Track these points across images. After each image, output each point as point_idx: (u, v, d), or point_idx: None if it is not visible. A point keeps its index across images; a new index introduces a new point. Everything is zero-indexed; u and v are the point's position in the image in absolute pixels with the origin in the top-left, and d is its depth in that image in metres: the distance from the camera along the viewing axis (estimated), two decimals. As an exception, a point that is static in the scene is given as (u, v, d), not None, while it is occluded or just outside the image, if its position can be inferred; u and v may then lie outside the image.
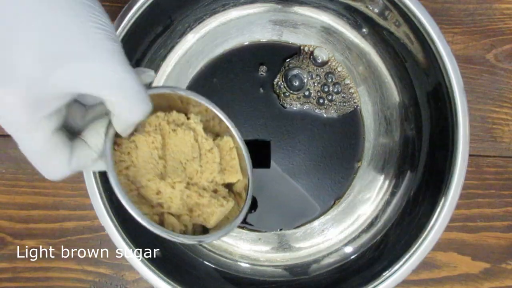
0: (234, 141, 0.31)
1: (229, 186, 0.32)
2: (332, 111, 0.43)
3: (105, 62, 0.22)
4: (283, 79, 0.42)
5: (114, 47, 0.22)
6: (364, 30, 0.42)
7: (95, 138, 0.26)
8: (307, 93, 0.43)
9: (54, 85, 0.21)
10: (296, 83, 0.42)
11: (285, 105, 0.42)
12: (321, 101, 0.43)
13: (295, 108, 0.43)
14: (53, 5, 0.21)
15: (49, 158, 0.24)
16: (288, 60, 0.43)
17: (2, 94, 0.21)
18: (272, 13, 0.43)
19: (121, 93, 0.23)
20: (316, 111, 0.43)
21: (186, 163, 0.30)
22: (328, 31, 0.43)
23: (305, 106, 0.42)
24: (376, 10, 0.39)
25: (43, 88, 0.21)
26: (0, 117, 0.22)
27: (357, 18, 0.42)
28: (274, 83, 0.43)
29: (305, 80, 0.43)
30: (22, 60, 0.20)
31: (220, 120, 0.31)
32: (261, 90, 0.43)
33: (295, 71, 0.43)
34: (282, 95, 0.42)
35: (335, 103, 0.43)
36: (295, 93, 0.42)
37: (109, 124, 0.26)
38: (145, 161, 0.28)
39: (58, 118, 0.23)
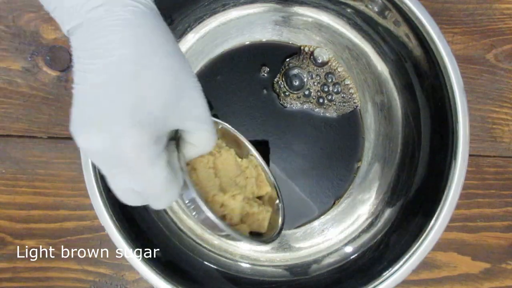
0: (256, 159, 0.36)
1: (260, 198, 0.36)
2: (332, 111, 0.43)
3: (200, 105, 0.27)
4: (283, 79, 0.42)
5: (202, 91, 0.27)
6: (364, 30, 0.42)
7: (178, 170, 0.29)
8: (307, 92, 0.43)
9: (169, 122, 0.26)
10: (296, 83, 0.42)
11: (285, 104, 0.42)
12: (321, 100, 0.43)
13: (295, 108, 0.43)
14: (165, 53, 0.25)
15: (171, 185, 0.26)
16: (288, 59, 0.43)
17: (138, 134, 0.24)
18: (272, 13, 0.43)
19: (208, 127, 0.28)
20: (315, 110, 0.43)
21: (235, 179, 0.34)
22: (328, 31, 0.43)
23: (305, 106, 0.42)
24: (376, 10, 0.39)
25: (163, 126, 0.25)
26: (129, 159, 0.24)
27: (357, 18, 0.42)
28: (274, 82, 0.43)
29: (305, 80, 0.43)
30: (155, 106, 0.25)
31: (240, 142, 0.35)
32: (263, 90, 0.43)
33: (295, 71, 0.43)
34: (282, 94, 0.42)
35: (334, 103, 0.43)
36: (295, 92, 0.42)
37: (180, 155, 0.29)
38: (205, 179, 0.32)
39: (164, 152, 0.27)
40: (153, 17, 0.26)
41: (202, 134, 0.28)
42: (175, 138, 0.29)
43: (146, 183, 0.26)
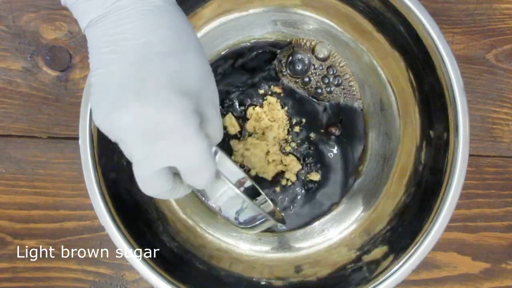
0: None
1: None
2: (332, 102, 0.43)
3: (216, 93, 0.28)
4: (287, 62, 0.42)
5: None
6: (363, 29, 0.42)
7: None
8: (306, 79, 0.43)
9: (200, 103, 0.26)
10: (299, 67, 0.43)
11: (284, 82, 0.43)
12: (319, 91, 0.43)
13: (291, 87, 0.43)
14: (198, 49, 0.27)
15: (212, 158, 0.26)
16: (294, 47, 0.43)
17: (183, 101, 0.24)
18: (272, 13, 0.43)
19: (220, 118, 0.28)
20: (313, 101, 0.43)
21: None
22: (328, 31, 0.43)
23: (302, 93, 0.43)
24: (376, 10, 0.39)
25: (198, 103, 0.26)
26: (173, 128, 0.24)
27: (356, 18, 0.42)
28: (277, 61, 0.43)
29: (306, 67, 0.43)
30: (193, 80, 0.26)
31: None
32: (266, 84, 0.43)
33: (300, 56, 0.43)
34: (280, 73, 0.43)
35: (333, 95, 0.43)
36: (294, 76, 0.42)
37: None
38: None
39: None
40: (177, 10, 0.27)
41: (216, 123, 0.28)
42: None
43: (188, 156, 0.25)
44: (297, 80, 0.43)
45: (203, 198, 0.30)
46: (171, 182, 0.27)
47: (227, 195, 0.30)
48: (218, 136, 0.29)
